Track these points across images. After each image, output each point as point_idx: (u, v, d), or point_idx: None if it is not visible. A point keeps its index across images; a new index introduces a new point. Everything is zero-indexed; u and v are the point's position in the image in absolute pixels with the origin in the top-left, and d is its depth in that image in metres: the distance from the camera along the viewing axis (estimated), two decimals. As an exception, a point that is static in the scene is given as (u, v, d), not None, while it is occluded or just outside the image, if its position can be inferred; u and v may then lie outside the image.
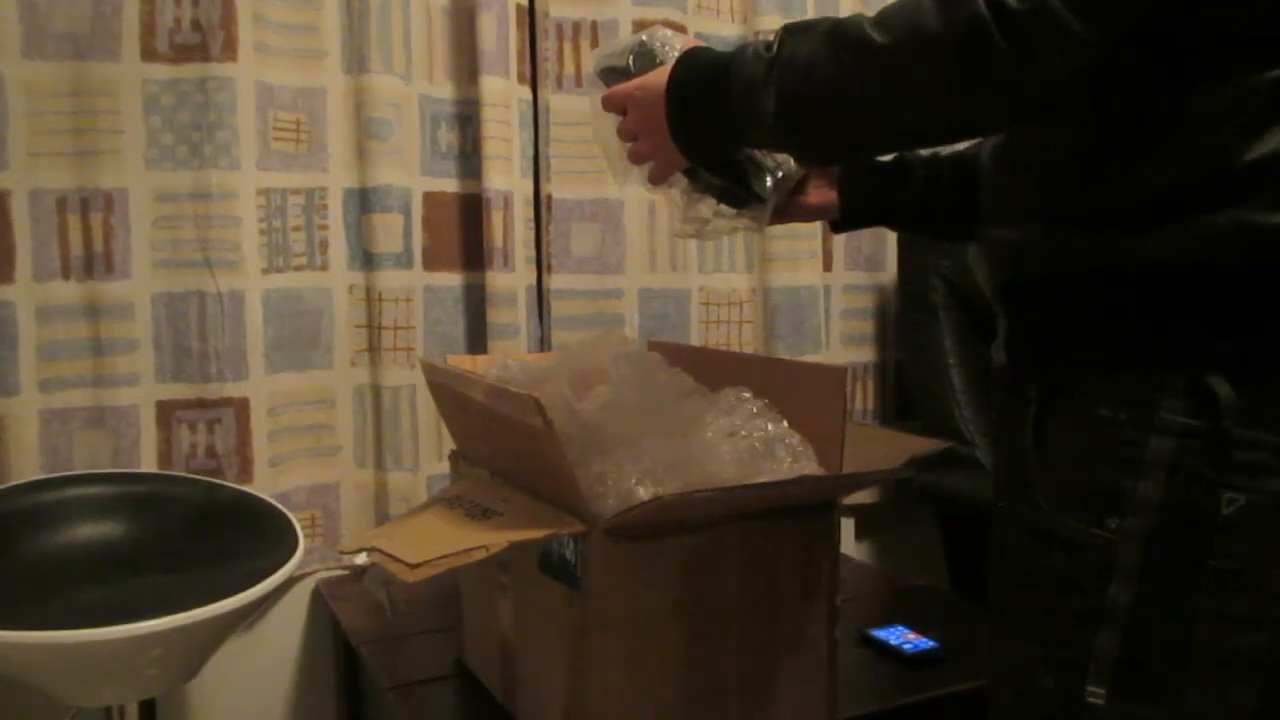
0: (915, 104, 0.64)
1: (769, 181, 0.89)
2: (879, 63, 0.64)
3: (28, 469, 1.32)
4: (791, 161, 0.88)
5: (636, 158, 0.85)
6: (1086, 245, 0.64)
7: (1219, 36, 0.59)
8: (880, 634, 1.24)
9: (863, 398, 1.88)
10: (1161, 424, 0.60)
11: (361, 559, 1.46)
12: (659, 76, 0.79)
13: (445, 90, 1.58)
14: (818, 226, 1.78)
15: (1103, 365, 0.64)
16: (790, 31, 0.70)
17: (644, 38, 0.87)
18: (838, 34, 0.67)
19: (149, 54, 1.36)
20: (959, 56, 0.60)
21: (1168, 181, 0.60)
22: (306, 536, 1.28)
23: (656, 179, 0.85)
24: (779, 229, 1.74)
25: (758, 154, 0.88)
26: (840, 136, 0.71)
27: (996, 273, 0.74)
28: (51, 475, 1.30)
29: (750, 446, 0.91)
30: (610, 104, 0.85)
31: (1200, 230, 0.59)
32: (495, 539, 0.78)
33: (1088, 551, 0.62)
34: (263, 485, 1.41)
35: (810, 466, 0.91)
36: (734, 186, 0.88)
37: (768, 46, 0.71)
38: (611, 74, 0.88)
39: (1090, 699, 0.62)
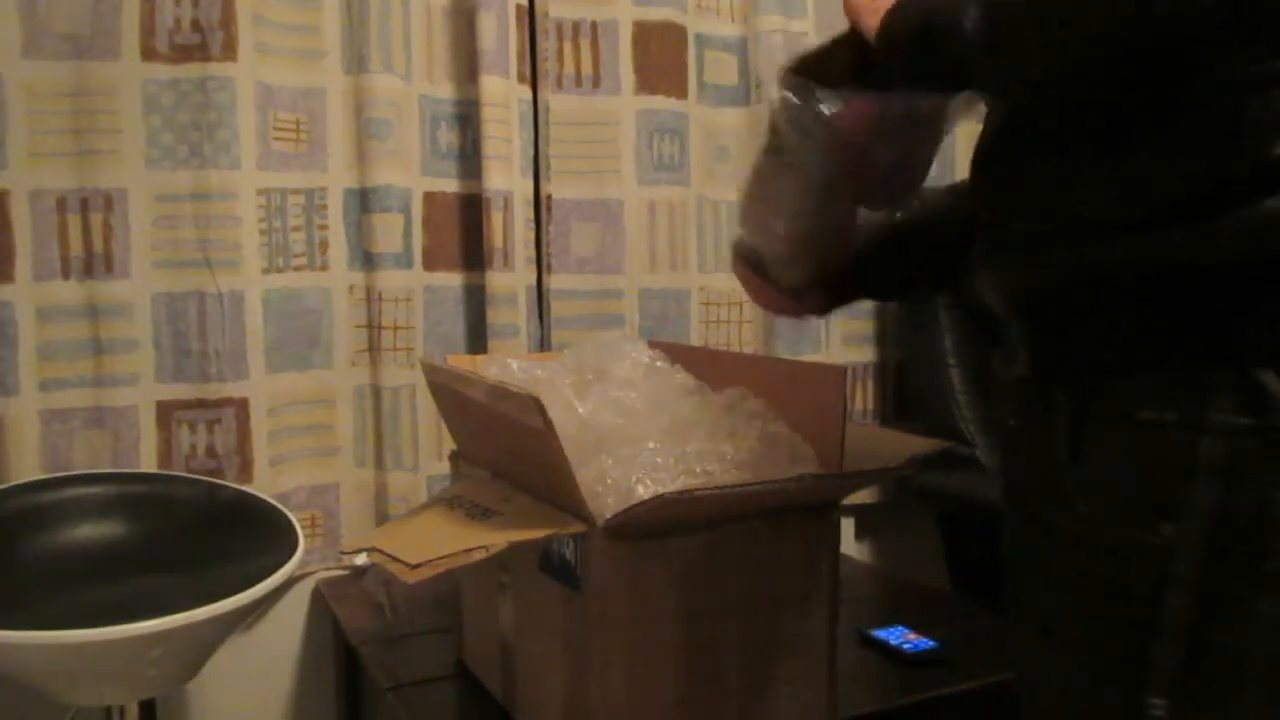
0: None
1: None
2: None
3: (28, 469, 1.32)
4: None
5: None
6: (1117, 248, 0.62)
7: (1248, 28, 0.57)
8: (880, 634, 1.24)
9: (863, 398, 1.88)
10: (1212, 424, 0.58)
11: (361, 559, 1.46)
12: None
13: (445, 90, 1.58)
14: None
15: (1144, 366, 0.61)
16: None
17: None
18: None
19: (149, 54, 1.36)
20: None
21: (1200, 179, 0.58)
22: (306, 536, 1.28)
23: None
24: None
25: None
26: (1040, 45, 0.66)
27: (1016, 284, 0.71)
28: (51, 475, 1.30)
29: (751, 447, 0.92)
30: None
31: (1238, 225, 0.57)
32: (495, 539, 0.78)
33: (1141, 559, 0.60)
34: (263, 485, 1.41)
35: (810, 467, 0.91)
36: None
37: None
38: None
39: (1153, 711, 0.60)
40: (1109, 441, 0.63)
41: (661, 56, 1.67)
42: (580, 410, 0.96)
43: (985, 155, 0.74)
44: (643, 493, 0.83)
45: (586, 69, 1.64)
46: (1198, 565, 0.58)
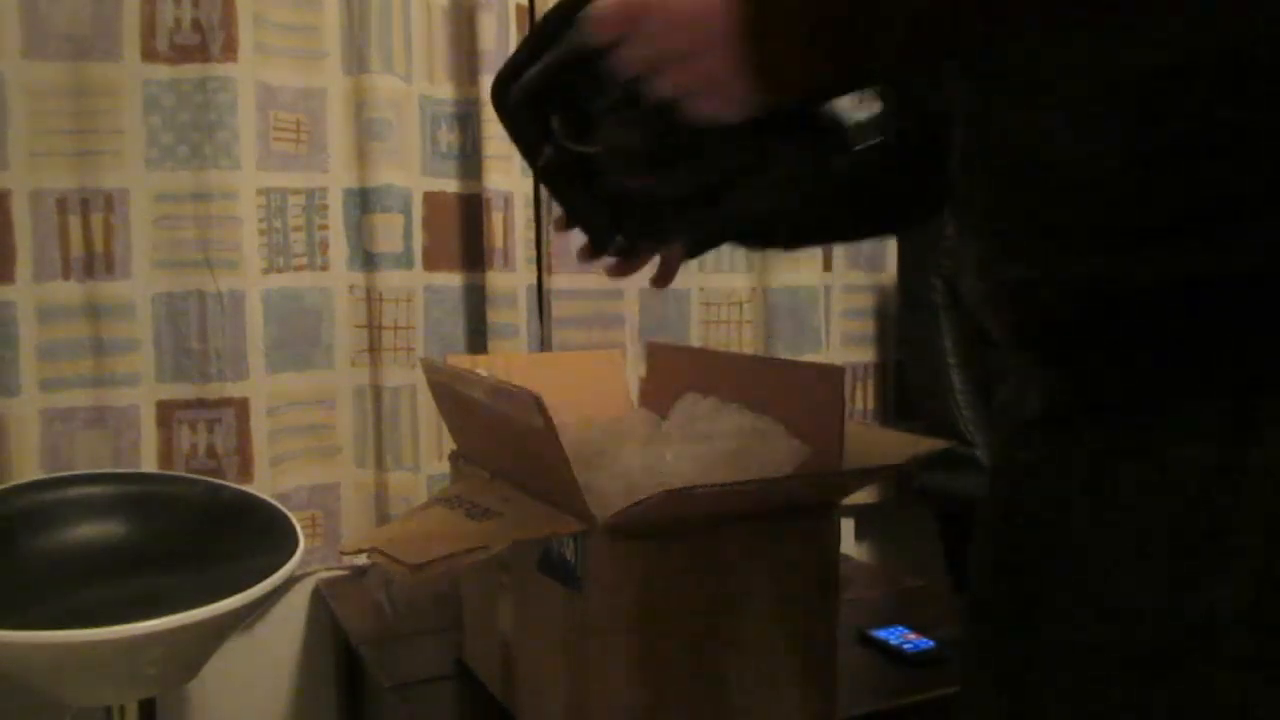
0: None
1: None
2: None
3: (28, 469, 1.33)
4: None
5: (674, 86, 0.52)
6: (1149, 259, 0.51)
7: None
8: (880, 634, 1.24)
9: (863, 398, 1.88)
10: (1257, 464, 0.46)
11: (362, 559, 1.46)
12: None
13: (445, 90, 1.58)
14: (818, 226, 1.78)
15: (1179, 395, 0.50)
16: None
17: None
18: None
19: (149, 54, 1.36)
20: None
21: (1259, 179, 0.47)
22: (306, 536, 1.28)
23: (710, 108, 0.52)
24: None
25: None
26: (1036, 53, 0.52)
27: (1027, 308, 0.57)
28: (51, 475, 1.30)
29: (726, 447, 0.92)
30: (606, 26, 0.53)
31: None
32: (495, 539, 0.78)
33: (1175, 624, 0.49)
34: (263, 485, 1.41)
35: (785, 445, 0.91)
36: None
37: None
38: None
39: None
40: (1134, 484, 0.52)
41: (661, 57, 1.67)
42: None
43: (993, 172, 0.59)
44: (643, 489, 0.83)
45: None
46: (1244, 640, 0.47)
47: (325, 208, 1.50)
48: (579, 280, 1.65)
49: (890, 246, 1.87)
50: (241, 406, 1.42)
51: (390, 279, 1.51)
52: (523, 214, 1.59)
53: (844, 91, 0.56)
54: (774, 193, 0.61)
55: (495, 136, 1.54)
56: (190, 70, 1.37)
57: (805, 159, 0.58)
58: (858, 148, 0.60)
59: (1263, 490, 0.46)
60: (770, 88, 0.51)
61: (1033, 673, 0.57)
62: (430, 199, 1.57)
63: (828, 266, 1.83)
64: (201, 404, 1.40)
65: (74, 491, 1.26)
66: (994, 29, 0.49)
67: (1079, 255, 0.53)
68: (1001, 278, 0.58)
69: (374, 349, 1.53)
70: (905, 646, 1.21)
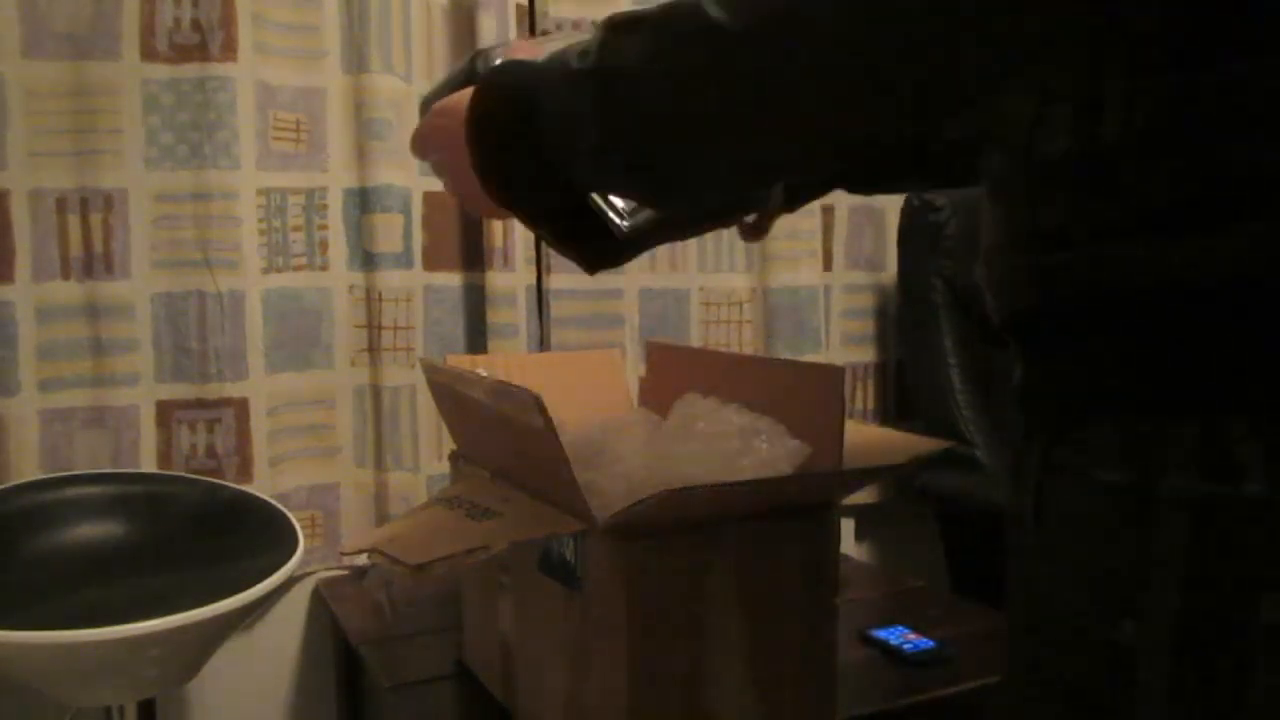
0: (799, 114, 0.50)
1: (622, 223, 0.67)
2: (734, 56, 0.49)
3: (28, 469, 1.32)
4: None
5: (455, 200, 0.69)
6: (1084, 259, 0.49)
7: None
8: (880, 634, 1.24)
9: (863, 398, 1.88)
10: (1170, 491, 0.44)
11: (362, 559, 1.46)
12: (463, 98, 0.63)
13: (445, 90, 1.58)
14: (817, 226, 1.78)
15: (1106, 411, 0.48)
16: (615, 25, 0.54)
17: (474, 58, 0.70)
18: (674, 18, 0.51)
19: (149, 54, 1.36)
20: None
21: (1224, 180, 0.44)
22: (306, 536, 1.28)
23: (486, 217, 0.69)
24: (779, 228, 1.74)
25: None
26: (691, 169, 0.56)
27: (1010, 300, 0.56)
28: (51, 475, 1.30)
29: (726, 447, 0.92)
30: (414, 146, 0.70)
31: (1217, 245, 0.44)
32: (495, 539, 0.78)
33: (1103, 656, 0.47)
34: (263, 485, 1.41)
35: (784, 445, 0.91)
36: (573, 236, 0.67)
37: (583, 53, 0.55)
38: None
39: None
40: (1067, 503, 0.50)
41: (661, 56, 1.67)
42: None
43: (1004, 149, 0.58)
44: (643, 489, 0.83)
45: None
46: (1168, 676, 0.45)
47: (325, 207, 1.50)
48: (578, 280, 1.65)
49: (890, 246, 1.87)
50: (241, 406, 1.42)
51: (390, 279, 1.51)
52: (522, 214, 1.59)
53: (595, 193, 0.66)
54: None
55: (495, 136, 1.54)
56: (190, 70, 1.37)
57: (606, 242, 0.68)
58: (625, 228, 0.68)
59: (1175, 522, 0.44)
60: (508, 207, 0.63)
61: (1002, 694, 0.57)
62: (430, 199, 1.57)
63: (828, 266, 1.83)
64: (201, 404, 1.40)
65: (73, 491, 1.26)
66: (668, 153, 0.56)
67: (1063, 249, 0.50)
68: (998, 267, 0.57)
69: (374, 349, 1.52)
70: (905, 646, 1.21)
